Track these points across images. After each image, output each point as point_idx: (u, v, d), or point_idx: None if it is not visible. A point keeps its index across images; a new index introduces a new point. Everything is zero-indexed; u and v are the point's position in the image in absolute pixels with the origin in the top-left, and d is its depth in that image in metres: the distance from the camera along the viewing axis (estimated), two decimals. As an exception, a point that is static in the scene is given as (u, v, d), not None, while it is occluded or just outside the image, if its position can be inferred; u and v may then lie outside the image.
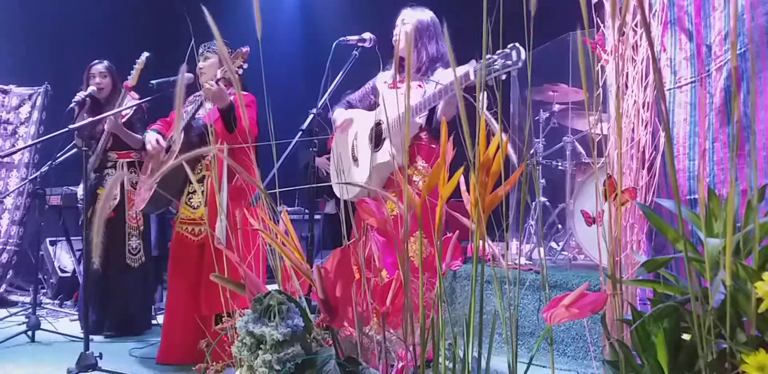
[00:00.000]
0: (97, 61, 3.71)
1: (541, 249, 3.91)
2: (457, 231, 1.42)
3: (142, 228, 3.67)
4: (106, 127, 3.47)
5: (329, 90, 2.56)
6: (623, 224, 1.84)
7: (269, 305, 1.17)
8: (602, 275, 1.50)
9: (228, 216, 2.63)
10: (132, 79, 3.38)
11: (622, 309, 1.23)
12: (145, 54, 3.38)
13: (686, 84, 1.93)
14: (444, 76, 2.55)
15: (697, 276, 1.12)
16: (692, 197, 1.87)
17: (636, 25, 1.90)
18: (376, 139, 2.66)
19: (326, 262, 1.25)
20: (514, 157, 1.48)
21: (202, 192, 2.85)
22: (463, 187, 1.35)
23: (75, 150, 3.85)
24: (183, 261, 2.90)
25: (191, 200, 2.91)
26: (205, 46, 2.91)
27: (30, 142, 4.48)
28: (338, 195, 2.79)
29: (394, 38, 2.67)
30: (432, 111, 2.54)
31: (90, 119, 3.19)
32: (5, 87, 4.94)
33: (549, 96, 4.36)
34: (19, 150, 4.46)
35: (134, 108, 3.54)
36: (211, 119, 2.81)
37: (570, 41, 3.85)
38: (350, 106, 2.90)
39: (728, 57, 1.73)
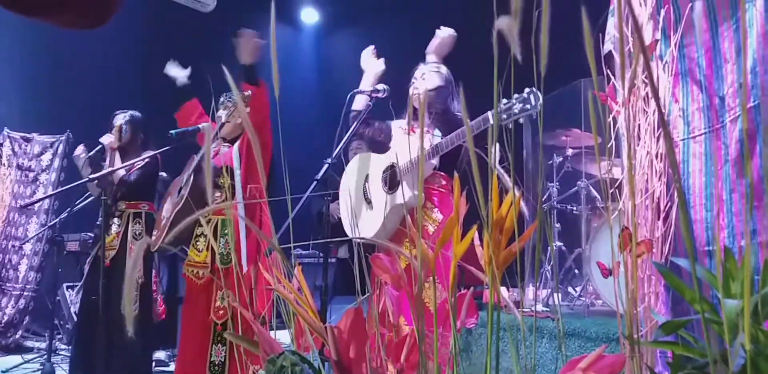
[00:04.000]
0: (119, 111, 3.80)
1: (557, 295, 3.86)
2: (472, 288, 1.42)
3: (142, 280, 3.64)
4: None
5: (344, 140, 2.60)
6: (640, 275, 1.81)
7: (282, 366, 1.16)
8: (621, 337, 1.48)
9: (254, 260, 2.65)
10: (114, 141, 3.47)
11: (641, 371, 1.20)
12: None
13: (700, 134, 1.93)
14: None
15: (716, 338, 1.10)
16: (711, 248, 1.85)
17: (646, 78, 1.92)
18: (390, 181, 2.68)
19: (339, 322, 1.24)
20: (526, 212, 1.48)
21: (206, 235, 2.87)
22: (476, 241, 1.35)
23: (92, 198, 3.90)
24: (192, 304, 2.90)
25: (198, 243, 2.92)
26: (226, 95, 2.97)
27: (51, 190, 4.56)
28: (351, 236, 2.79)
29: (410, 91, 2.73)
30: (446, 155, 2.56)
31: (109, 169, 3.25)
32: (28, 135, 5.06)
33: (562, 141, 4.38)
34: (41, 200, 4.53)
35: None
36: (224, 161, 2.85)
37: (582, 87, 3.88)
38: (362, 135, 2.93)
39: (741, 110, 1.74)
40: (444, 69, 2.77)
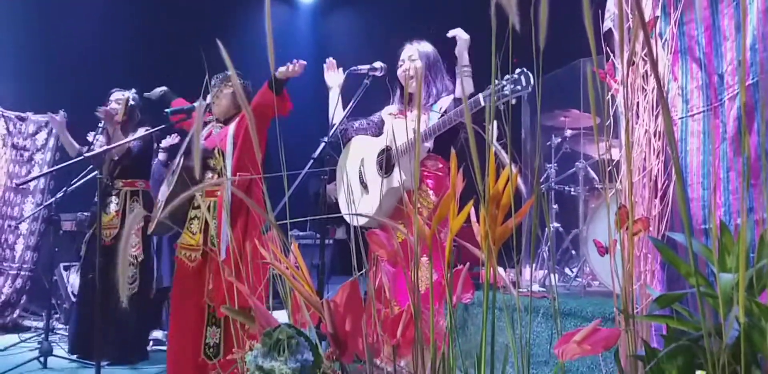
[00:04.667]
0: (116, 89, 3.78)
1: (553, 276, 3.87)
2: (468, 263, 1.42)
3: (141, 257, 3.64)
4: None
5: (341, 118, 2.58)
6: (636, 254, 1.82)
7: (278, 339, 1.16)
8: (616, 310, 1.48)
9: (240, 246, 2.65)
10: (119, 115, 3.44)
11: (635, 344, 1.21)
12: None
13: (698, 113, 1.92)
14: (446, 101, 2.59)
15: (711, 312, 1.10)
16: (707, 226, 1.85)
17: (646, 55, 1.91)
18: (385, 164, 2.67)
19: (336, 296, 1.24)
20: (523, 189, 1.48)
21: (199, 218, 2.86)
22: (473, 218, 1.35)
23: (89, 176, 3.90)
24: (183, 286, 2.89)
25: (191, 225, 2.91)
26: (217, 77, 2.94)
27: (46, 170, 4.54)
28: (348, 221, 2.79)
29: (399, 72, 2.71)
30: (441, 138, 2.55)
31: (103, 148, 3.23)
32: (22, 114, 5.03)
33: (560, 121, 4.36)
34: (36, 178, 4.52)
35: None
36: (217, 142, 2.83)
37: (581, 67, 3.86)
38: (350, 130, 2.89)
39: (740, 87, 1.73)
40: (424, 48, 2.73)
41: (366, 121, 2.86)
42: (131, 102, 3.61)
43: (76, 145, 3.66)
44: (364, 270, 1.48)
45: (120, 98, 3.73)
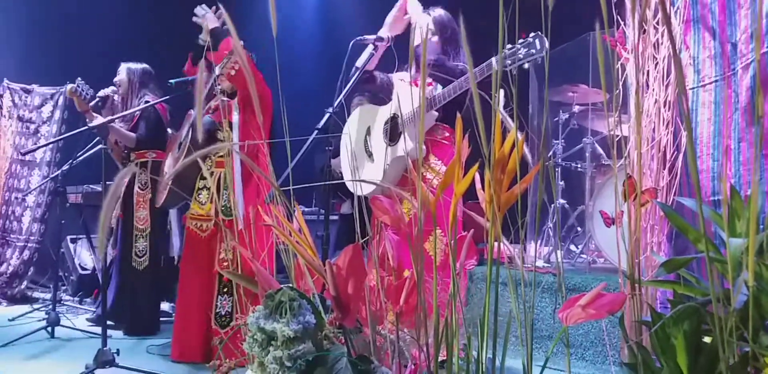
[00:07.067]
0: (123, 63, 3.77)
1: (559, 252, 3.87)
2: (472, 230, 1.40)
3: (149, 230, 3.66)
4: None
5: (346, 89, 2.55)
6: (643, 225, 1.80)
7: (281, 301, 1.16)
8: (621, 276, 1.47)
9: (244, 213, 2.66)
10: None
11: (641, 310, 1.20)
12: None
13: (710, 83, 1.89)
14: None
15: (719, 277, 1.09)
16: (716, 198, 1.83)
17: (657, 23, 1.87)
18: (392, 133, 2.64)
19: (338, 259, 1.23)
20: (529, 157, 1.46)
21: (209, 188, 2.86)
22: (478, 185, 1.33)
23: (96, 148, 3.90)
24: (193, 256, 2.90)
25: (200, 196, 2.91)
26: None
27: (51, 140, 4.53)
28: (352, 190, 2.77)
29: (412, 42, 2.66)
30: (449, 106, 2.52)
31: (108, 118, 3.22)
32: (28, 86, 5.00)
33: (569, 97, 4.31)
34: (40, 147, 4.52)
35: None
36: (224, 114, 2.82)
37: (590, 41, 3.80)
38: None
39: (754, 55, 1.70)
40: (438, 13, 2.68)
41: (386, 78, 2.81)
42: (132, 75, 3.60)
43: (132, 135, 3.66)
44: (368, 238, 1.47)
45: (120, 71, 3.71)
